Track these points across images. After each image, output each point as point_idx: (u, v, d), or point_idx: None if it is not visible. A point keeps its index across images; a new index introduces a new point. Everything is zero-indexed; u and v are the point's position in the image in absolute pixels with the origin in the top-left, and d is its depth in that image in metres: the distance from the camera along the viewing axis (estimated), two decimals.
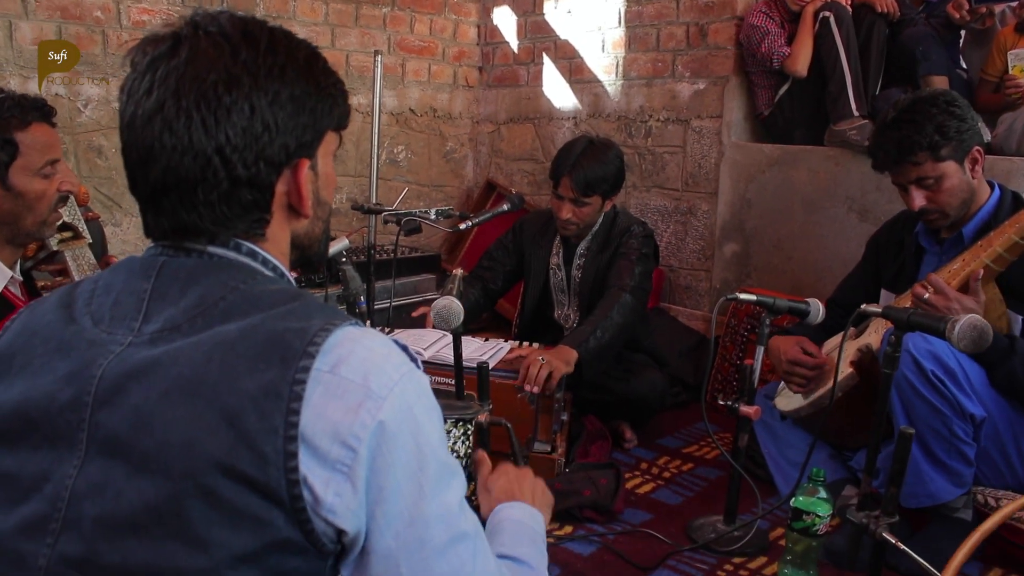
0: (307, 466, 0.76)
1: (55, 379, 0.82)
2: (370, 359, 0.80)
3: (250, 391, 0.76)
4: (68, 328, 0.85)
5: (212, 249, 0.87)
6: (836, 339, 2.31)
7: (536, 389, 2.29)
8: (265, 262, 0.89)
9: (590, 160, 2.64)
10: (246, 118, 0.83)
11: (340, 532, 0.80)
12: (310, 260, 0.99)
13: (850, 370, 2.07)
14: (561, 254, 2.89)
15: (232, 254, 0.87)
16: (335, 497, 0.77)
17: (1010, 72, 2.90)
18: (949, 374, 1.91)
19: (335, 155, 0.97)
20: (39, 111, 1.74)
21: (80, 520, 0.78)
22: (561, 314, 2.95)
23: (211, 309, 0.82)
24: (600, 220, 2.80)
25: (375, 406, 0.78)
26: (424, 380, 0.85)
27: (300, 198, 0.90)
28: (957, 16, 3.07)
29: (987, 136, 3.12)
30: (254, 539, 0.76)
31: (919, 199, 2.11)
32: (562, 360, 2.38)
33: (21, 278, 1.87)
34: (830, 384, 1.97)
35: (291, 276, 0.94)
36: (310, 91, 0.88)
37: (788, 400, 2.34)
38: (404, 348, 0.86)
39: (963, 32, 3.28)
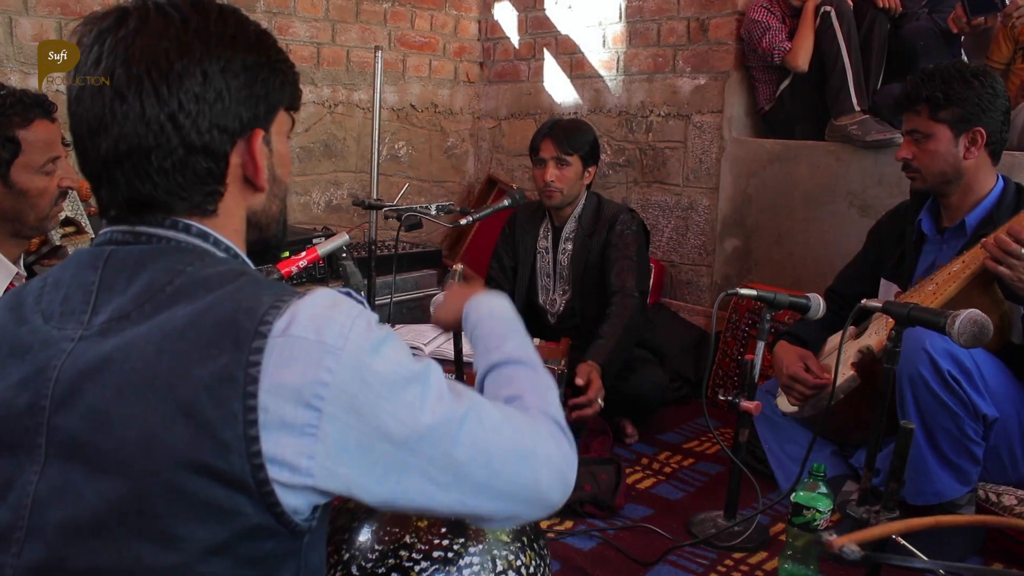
0: (274, 442, 0.75)
1: (10, 384, 0.81)
2: (317, 313, 0.79)
3: (204, 379, 0.75)
4: (20, 329, 0.83)
5: (162, 232, 0.85)
6: (836, 339, 2.31)
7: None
8: (217, 242, 0.88)
9: (568, 125, 2.86)
10: (199, 84, 0.82)
11: (316, 503, 0.80)
12: (268, 243, 0.98)
13: (851, 372, 2.07)
14: (549, 237, 2.94)
15: (182, 235, 0.86)
16: (309, 460, 0.76)
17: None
18: (965, 374, 1.90)
19: (289, 137, 0.97)
20: (41, 108, 1.74)
21: (44, 527, 0.77)
22: (546, 299, 2.97)
23: (159, 294, 0.81)
24: (583, 202, 2.86)
25: (333, 360, 0.77)
26: (372, 316, 0.84)
27: (255, 168, 0.89)
28: (956, 30, 3.06)
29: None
30: (223, 529, 0.75)
31: (905, 150, 2.18)
32: (597, 389, 2.39)
33: (25, 273, 1.88)
34: (830, 387, 1.97)
35: (245, 255, 0.92)
36: (262, 62, 0.87)
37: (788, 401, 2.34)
38: (348, 293, 0.86)
39: None
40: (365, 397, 0.78)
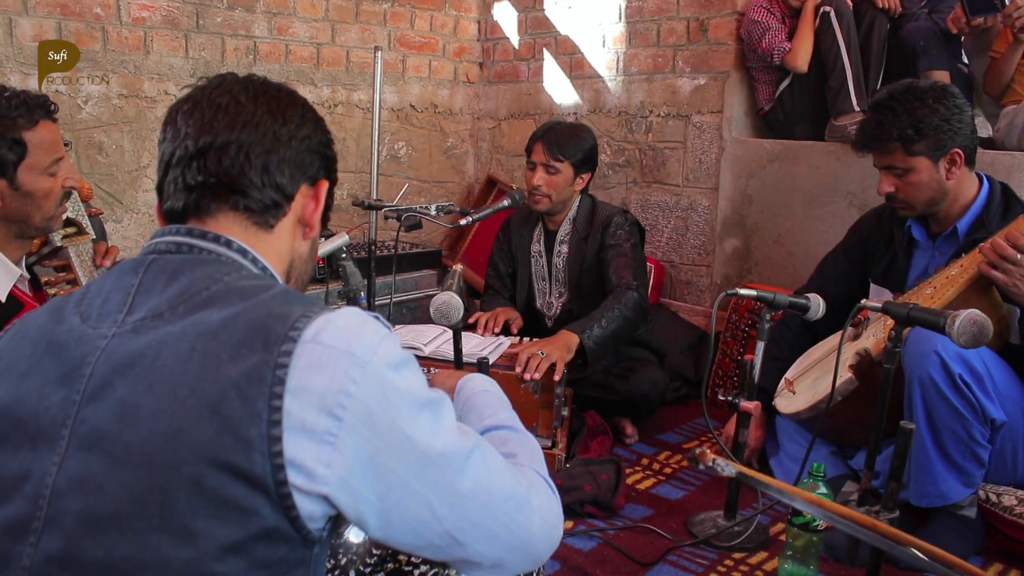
0: (295, 444, 0.77)
1: (46, 380, 0.84)
2: (349, 326, 0.83)
3: (233, 378, 0.78)
4: (57, 328, 0.88)
5: (204, 244, 0.92)
6: (832, 341, 2.30)
7: (537, 375, 2.31)
8: (255, 260, 0.94)
9: (564, 130, 2.80)
10: (298, 118, 0.99)
11: (330, 513, 0.81)
12: None
13: (849, 375, 2.07)
14: (542, 241, 2.93)
15: (223, 249, 0.92)
16: (326, 469, 0.78)
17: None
18: (976, 378, 1.90)
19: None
20: (44, 109, 1.74)
21: (62, 517, 0.78)
22: (543, 303, 2.97)
23: (194, 298, 0.85)
24: (577, 205, 2.85)
25: (360, 372, 0.80)
26: (397, 339, 0.88)
27: (315, 207, 1.02)
28: (955, 30, 3.06)
29: (989, 131, 3.12)
30: (240, 529, 0.77)
31: (886, 185, 2.15)
32: (562, 347, 2.40)
33: (29, 276, 1.88)
34: (829, 389, 1.97)
35: (279, 276, 0.98)
36: (332, 143, 1.06)
37: (788, 401, 2.34)
38: (376, 317, 0.88)
39: None
40: (384, 413, 0.81)
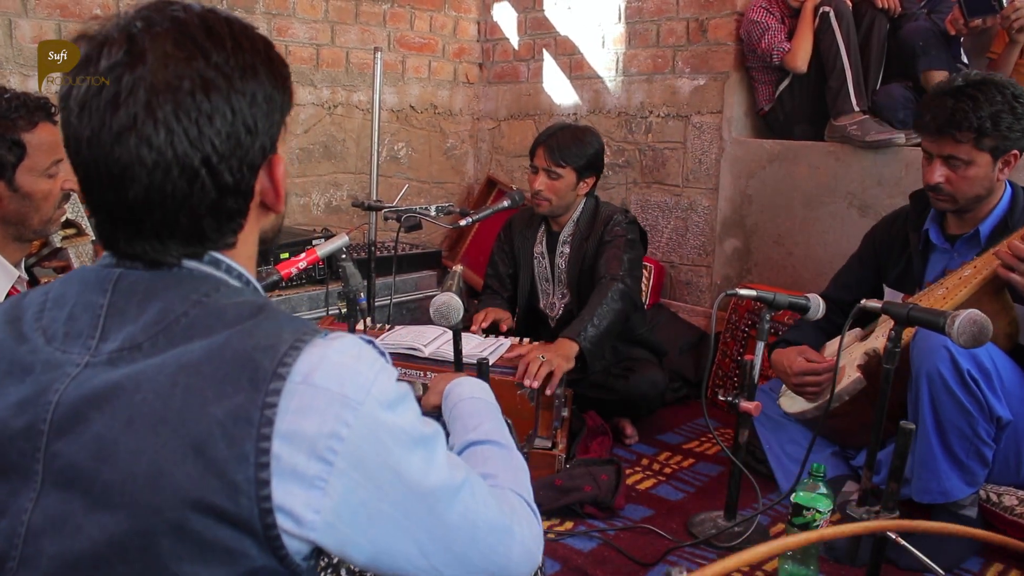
0: (284, 490, 0.73)
1: (7, 405, 0.78)
2: (343, 363, 0.78)
3: (218, 417, 0.73)
4: (19, 347, 0.80)
5: (172, 259, 0.83)
6: (837, 342, 2.30)
7: (536, 384, 2.30)
8: (229, 270, 0.86)
9: (568, 135, 2.77)
10: (228, 124, 0.79)
11: (316, 548, 0.79)
12: (266, 247, 0.96)
13: (858, 374, 2.07)
14: (545, 242, 2.94)
15: (193, 263, 0.83)
16: (314, 514, 0.75)
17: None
18: (984, 374, 1.89)
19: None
20: (44, 111, 1.74)
21: (37, 558, 0.74)
22: (546, 303, 2.97)
23: (173, 326, 0.78)
24: (581, 207, 2.85)
25: (352, 415, 0.76)
26: (393, 372, 0.84)
27: (277, 195, 0.88)
28: (953, 32, 3.05)
29: None
30: (228, 571, 0.74)
31: (938, 175, 2.07)
32: (562, 356, 2.39)
33: (27, 277, 1.88)
34: (831, 389, 1.97)
35: (256, 282, 0.90)
36: (276, 86, 0.84)
37: (792, 402, 2.33)
38: (370, 342, 0.84)
39: None
40: (376, 455, 0.78)
